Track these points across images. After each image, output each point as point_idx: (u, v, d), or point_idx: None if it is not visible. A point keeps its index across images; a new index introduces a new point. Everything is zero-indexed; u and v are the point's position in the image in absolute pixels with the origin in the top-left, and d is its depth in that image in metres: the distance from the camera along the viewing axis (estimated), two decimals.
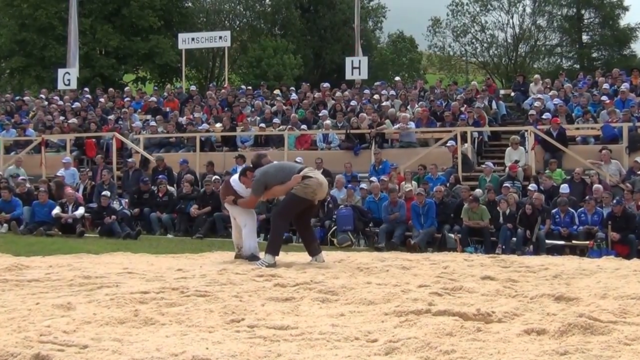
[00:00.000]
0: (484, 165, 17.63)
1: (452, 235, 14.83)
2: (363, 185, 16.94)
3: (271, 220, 10.37)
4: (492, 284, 7.40)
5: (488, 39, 50.28)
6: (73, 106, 24.64)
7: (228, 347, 4.39)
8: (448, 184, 16.66)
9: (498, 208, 15.06)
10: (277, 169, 9.96)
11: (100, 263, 9.31)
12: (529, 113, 19.74)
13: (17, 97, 28.25)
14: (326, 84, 25.44)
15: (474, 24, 50.34)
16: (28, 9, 40.00)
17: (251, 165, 10.48)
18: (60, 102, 25.66)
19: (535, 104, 20.10)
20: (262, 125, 20.86)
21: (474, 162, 18.55)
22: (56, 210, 16.42)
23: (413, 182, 16.82)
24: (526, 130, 18.45)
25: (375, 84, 25.83)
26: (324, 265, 9.23)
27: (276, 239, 9.73)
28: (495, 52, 50.58)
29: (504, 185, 15.87)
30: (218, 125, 21.65)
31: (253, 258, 9.70)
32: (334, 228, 15.44)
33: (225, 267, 8.67)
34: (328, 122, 20.18)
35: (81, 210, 16.40)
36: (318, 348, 4.43)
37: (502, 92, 25.87)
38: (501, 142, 20.29)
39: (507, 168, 17.09)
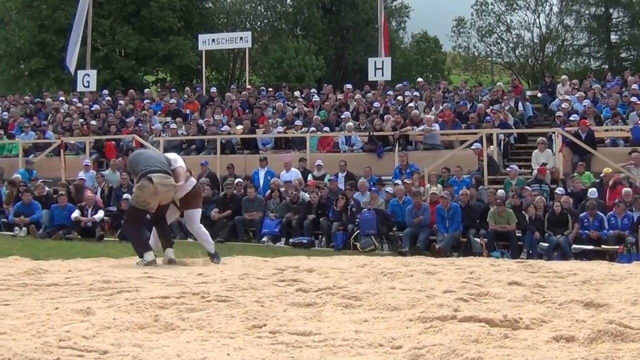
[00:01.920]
0: (509, 168, 17.44)
1: (478, 240, 14.68)
2: (387, 188, 16.80)
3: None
4: (519, 289, 7.27)
5: (514, 39, 49.92)
6: (92, 108, 24.71)
7: (250, 353, 4.35)
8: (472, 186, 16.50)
9: (524, 212, 14.85)
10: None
11: (120, 267, 9.25)
12: (557, 114, 19.50)
13: (36, 99, 28.41)
14: (349, 85, 25.32)
15: (500, 24, 50.00)
16: (47, 10, 40.23)
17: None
18: (80, 104, 25.74)
19: (563, 106, 19.85)
20: (280, 129, 20.85)
21: (499, 165, 18.38)
22: (75, 214, 16.46)
23: (438, 185, 16.66)
24: (553, 132, 18.25)
25: (398, 85, 25.67)
26: (345, 270, 9.08)
27: (136, 242, 10.18)
28: (522, 52, 50.21)
29: (525, 187, 15.68)
30: (239, 127, 21.60)
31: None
32: (357, 232, 15.33)
33: (246, 272, 8.58)
34: (350, 124, 20.05)
35: (101, 214, 16.43)
36: (341, 354, 4.37)
37: (528, 93, 25.69)
38: (528, 144, 20.17)
39: (536, 170, 16.90)
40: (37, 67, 41.49)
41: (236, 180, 17.53)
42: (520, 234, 14.68)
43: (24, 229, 16.62)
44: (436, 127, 19.15)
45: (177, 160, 10.61)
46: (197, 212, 10.93)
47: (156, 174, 9.84)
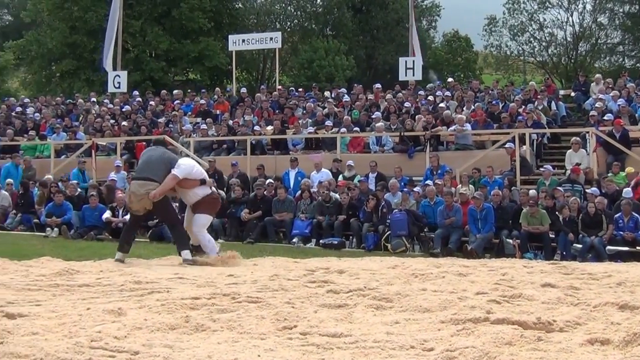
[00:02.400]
0: (543, 169, 17.25)
1: (511, 241, 14.52)
2: (417, 188, 16.72)
3: None
4: (553, 291, 7.21)
5: (546, 38, 49.38)
6: (123, 109, 24.86)
7: (280, 354, 4.36)
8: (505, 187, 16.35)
9: (558, 213, 14.69)
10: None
11: (151, 268, 9.28)
12: (590, 114, 19.28)
13: (68, 100, 28.65)
14: (378, 85, 25.28)
15: (532, 22, 49.48)
16: (78, 12, 40.54)
17: None
18: (111, 105, 25.90)
19: (597, 105, 19.64)
20: (311, 129, 20.81)
21: (532, 165, 18.21)
22: (107, 215, 16.53)
23: (470, 185, 16.54)
24: (587, 132, 18.05)
25: (428, 85, 25.54)
26: (376, 271, 9.05)
27: (121, 237, 11.10)
28: (554, 51, 49.67)
29: (557, 188, 15.51)
30: (269, 127, 21.61)
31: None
32: (387, 233, 15.22)
33: (277, 273, 8.57)
34: (381, 124, 19.96)
35: None
36: (372, 357, 4.35)
37: (561, 92, 25.44)
38: (561, 144, 19.97)
39: (569, 171, 16.71)
40: (69, 69, 41.84)
41: (267, 181, 17.53)
42: (553, 235, 14.50)
43: (56, 229, 16.68)
44: (468, 127, 19.02)
45: (180, 166, 10.68)
46: (204, 218, 11.06)
47: (135, 181, 10.51)
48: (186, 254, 10.54)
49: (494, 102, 21.42)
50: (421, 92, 23.42)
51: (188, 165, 10.83)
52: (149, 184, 10.33)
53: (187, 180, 10.68)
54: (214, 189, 11.31)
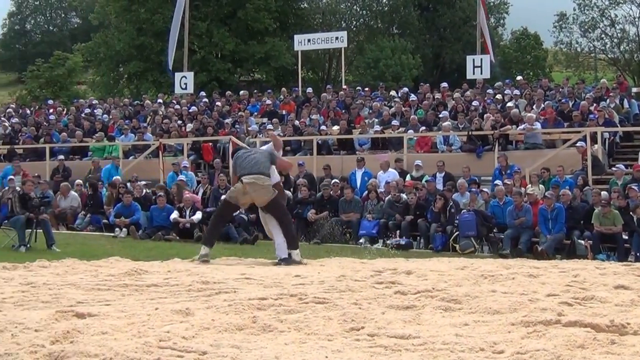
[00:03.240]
0: (615, 168, 16.88)
1: (583, 242, 14.24)
2: (485, 188, 16.52)
3: None
4: (627, 293, 7.01)
5: (618, 34, 48.48)
6: (190, 110, 25.12)
7: (348, 356, 4.32)
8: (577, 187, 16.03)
9: (632, 213, 14.33)
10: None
11: (218, 268, 9.36)
12: None
13: (135, 102, 29.14)
14: (444, 84, 25.07)
15: (603, 19, 48.63)
16: (145, 14, 41.28)
17: None
18: (178, 107, 26.21)
19: None
20: (377, 128, 20.74)
21: (604, 165, 17.86)
22: (174, 215, 16.73)
23: (540, 185, 16.27)
24: None
25: (497, 84, 25.23)
26: (445, 272, 8.95)
27: (207, 233, 11.41)
28: (627, 47, 48.71)
29: (631, 187, 15.14)
30: (335, 127, 21.60)
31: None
32: (456, 234, 15.10)
33: (344, 274, 8.54)
34: (448, 123, 19.78)
35: (199, 215, 16.62)
36: (441, 359, 4.29)
37: (634, 90, 24.94)
38: (634, 142, 19.54)
39: (633, 168, 16.32)
40: (136, 70, 42.68)
41: (333, 181, 17.53)
42: (627, 237, 14.17)
43: (124, 230, 16.95)
44: (537, 125, 18.71)
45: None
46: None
47: (248, 175, 10.55)
48: (294, 254, 10.65)
49: (564, 100, 21.04)
50: (490, 91, 23.12)
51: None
52: (263, 177, 10.54)
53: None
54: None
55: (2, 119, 27.92)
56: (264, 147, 11.90)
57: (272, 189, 10.62)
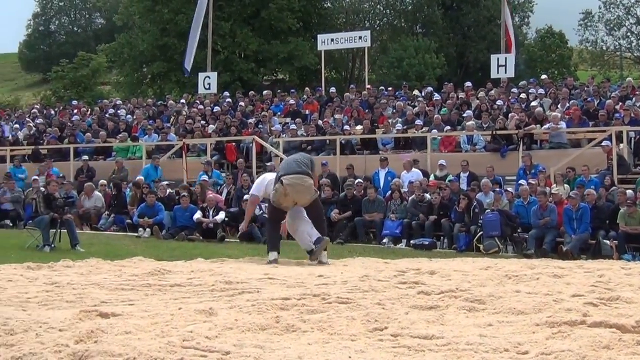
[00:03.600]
0: None
1: (608, 242, 14.11)
2: (509, 188, 16.42)
3: None
4: None
5: None
6: (214, 110, 25.17)
7: (371, 356, 4.30)
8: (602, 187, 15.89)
9: None
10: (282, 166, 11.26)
11: (241, 268, 9.37)
12: None
13: (159, 102, 29.26)
14: (468, 84, 24.96)
15: (629, 17, 48.21)
16: (169, 15, 41.45)
17: None
18: (201, 107, 26.27)
19: None
20: (401, 128, 20.68)
21: (630, 164, 17.67)
22: (197, 215, 16.78)
23: (566, 185, 16.15)
24: None
25: (521, 83, 25.06)
26: (469, 273, 8.91)
27: (268, 239, 11.38)
28: None
29: None
30: (359, 127, 21.56)
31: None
32: (480, 234, 15.01)
33: (367, 274, 8.53)
34: (472, 123, 19.68)
35: (222, 215, 16.66)
36: (465, 359, 4.26)
37: None
38: None
39: None
40: (160, 71, 42.86)
41: (356, 181, 17.50)
42: None
43: (148, 230, 17.02)
44: (563, 125, 18.57)
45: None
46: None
47: (288, 176, 10.48)
48: (324, 255, 10.72)
49: (589, 99, 20.86)
50: (514, 90, 22.98)
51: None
52: (303, 177, 10.53)
53: None
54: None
55: (27, 119, 28.19)
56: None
57: (314, 189, 10.66)
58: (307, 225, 10.89)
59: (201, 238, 16.34)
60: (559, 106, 20.27)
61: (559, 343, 4.55)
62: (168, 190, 18.40)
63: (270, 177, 11.43)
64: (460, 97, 23.34)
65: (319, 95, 27.02)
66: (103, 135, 23.96)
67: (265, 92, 29.02)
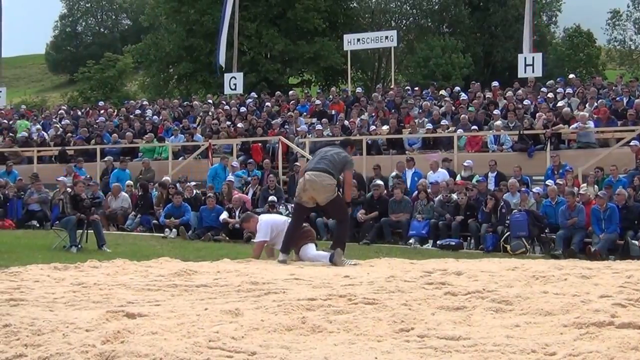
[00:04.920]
0: None
1: (636, 242, 13.95)
2: (536, 188, 16.30)
3: None
4: None
5: None
6: (240, 111, 25.20)
7: (397, 357, 4.32)
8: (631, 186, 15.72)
9: None
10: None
11: (267, 269, 9.39)
12: None
13: (185, 103, 29.38)
14: (495, 83, 24.80)
15: None
16: (195, 15, 41.62)
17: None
18: (227, 107, 26.33)
19: None
20: (428, 127, 20.60)
21: None
22: (223, 216, 16.82)
23: (595, 185, 15.99)
24: None
25: (549, 82, 24.86)
26: (495, 273, 8.84)
27: (285, 238, 10.68)
28: None
29: None
30: (385, 127, 21.50)
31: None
32: (507, 234, 14.91)
33: (393, 274, 8.50)
34: (499, 122, 19.56)
35: None
36: None
37: None
38: None
39: None
40: (186, 71, 43.02)
41: (392, 174, 17.39)
42: None
43: (174, 230, 17.09)
44: (591, 124, 18.42)
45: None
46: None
47: (310, 171, 10.45)
48: (339, 253, 10.50)
49: (618, 98, 20.65)
50: (543, 90, 22.79)
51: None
52: (324, 175, 10.38)
53: None
54: None
55: (54, 120, 28.41)
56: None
57: (333, 188, 10.45)
58: (312, 249, 10.86)
59: (227, 238, 16.37)
60: (587, 105, 20.10)
61: (586, 344, 4.54)
62: (194, 191, 18.46)
63: (266, 217, 11.62)
64: (487, 96, 23.20)
65: (345, 95, 26.97)
66: (129, 136, 24.09)
67: (290, 92, 29.04)
